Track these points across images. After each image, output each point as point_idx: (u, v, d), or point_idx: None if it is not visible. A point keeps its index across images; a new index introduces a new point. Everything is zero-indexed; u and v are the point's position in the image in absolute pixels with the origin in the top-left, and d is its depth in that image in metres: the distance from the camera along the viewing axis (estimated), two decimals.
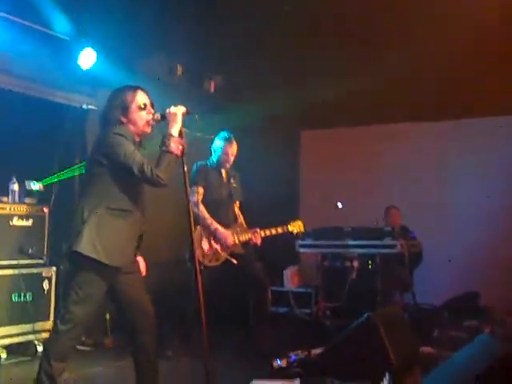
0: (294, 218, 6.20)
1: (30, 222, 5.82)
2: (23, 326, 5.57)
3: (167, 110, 3.70)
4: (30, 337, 5.63)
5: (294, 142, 9.27)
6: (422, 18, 6.34)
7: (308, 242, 7.04)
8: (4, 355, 5.38)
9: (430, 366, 4.72)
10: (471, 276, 7.58)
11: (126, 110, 3.71)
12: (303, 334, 6.17)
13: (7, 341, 5.46)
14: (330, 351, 5.04)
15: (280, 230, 6.01)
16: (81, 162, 6.70)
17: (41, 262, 5.85)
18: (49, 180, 6.32)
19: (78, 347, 5.87)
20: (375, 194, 8.24)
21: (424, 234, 7.45)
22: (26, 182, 5.92)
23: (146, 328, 3.77)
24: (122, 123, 3.70)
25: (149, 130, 3.77)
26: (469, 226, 7.91)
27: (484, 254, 7.74)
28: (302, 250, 7.19)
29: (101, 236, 3.56)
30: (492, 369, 3.50)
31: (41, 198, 6.06)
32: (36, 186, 5.99)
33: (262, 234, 5.91)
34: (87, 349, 5.93)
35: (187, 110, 3.71)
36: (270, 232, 5.96)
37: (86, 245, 3.53)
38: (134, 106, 3.71)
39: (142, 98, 3.76)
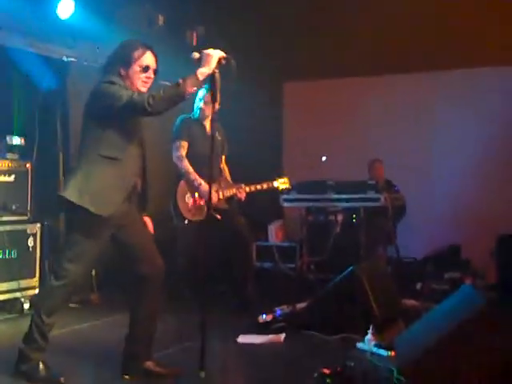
0: (280, 175, 6.19)
1: (12, 178, 5.73)
2: (9, 283, 5.54)
3: (205, 51, 3.53)
4: (16, 294, 5.61)
5: (278, 94, 9.17)
6: None
7: (292, 196, 7.03)
8: None
9: (413, 318, 4.80)
10: (453, 229, 7.66)
11: (127, 64, 3.61)
12: (288, 289, 6.21)
13: None
14: (314, 305, 5.12)
15: (265, 186, 6.00)
16: (62, 115, 6.63)
17: (25, 218, 5.80)
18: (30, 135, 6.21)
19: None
20: (359, 147, 8.22)
21: (407, 187, 7.49)
22: (7, 137, 5.81)
23: (153, 281, 3.75)
24: (120, 76, 3.61)
25: (144, 90, 3.64)
26: (451, 178, 7.95)
27: (465, 207, 7.81)
28: (285, 204, 7.18)
29: (88, 183, 3.52)
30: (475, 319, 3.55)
31: (23, 152, 5.97)
32: (17, 140, 5.88)
33: (247, 190, 5.90)
34: (74, 305, 5.93)
35: (225, 57, 3.53)
36: (255, 188, 5.94)
37: (72, 191, 3.53)
38: (136, 64, 3.61)
39: (148, 59, 3.65)
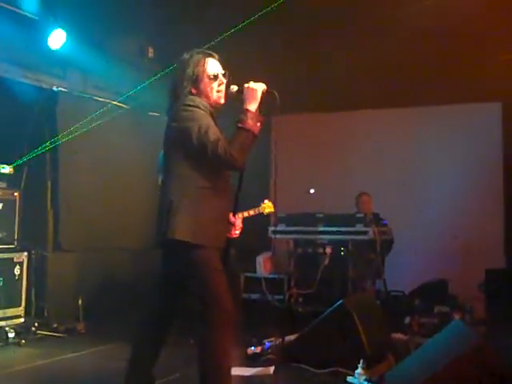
0: (263, 200, 6.16)
1: (0, 206, 5.70)
2: None
3: (245, 85, 3.38)
4: (1, 323, 5.56)
5: (265, 128, 9.18)
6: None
7: (281, 228, 7.03)
8: None
9: (402, 352, 4.78)
10: (440, 264, 7.68)
11: (195, 80, 3.42)
12: (276, 321, 6.16)
13: None
14: (303, 338, 5.08)
15: (252, 212, 5.95)
16: (51, 144, 6.62)
17: (12, 246, 5.76)
18: (18, 163, 6.19)
19: (50, 333, 5.85)
20: (347, 180, 8.26)
21: (394, 221, 7.50)
22: None
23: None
24: (193, 95, 3.40)
25: (222, 101, 3.48)
26: (439, 213, 8.00)
27: (452, 242, 7.86)
28: (274, 236, 7.17)
29: (197, 218, 3.29)
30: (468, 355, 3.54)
31: (11, 181, 5.95)
32: (6, 169, 5.87)
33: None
34: (60, 335, 5.87)
35: (267, 89, 3.39)
36: (243, 214, 5.91)
37: (184, 230, 3.26)
38: (204, 76, 3.44)
39: (212, 66, 3.48)
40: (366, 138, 8.46)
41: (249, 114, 3.28)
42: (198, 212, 3.31)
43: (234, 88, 3.44)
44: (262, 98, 3.35)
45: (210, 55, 3.53)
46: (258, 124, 3.30)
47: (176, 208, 3.30)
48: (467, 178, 7.95)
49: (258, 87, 3.35)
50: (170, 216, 3.31)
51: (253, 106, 3.31)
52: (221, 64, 3.55)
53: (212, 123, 3.31)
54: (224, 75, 3.51)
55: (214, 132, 3.24)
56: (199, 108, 3.31)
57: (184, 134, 3.29)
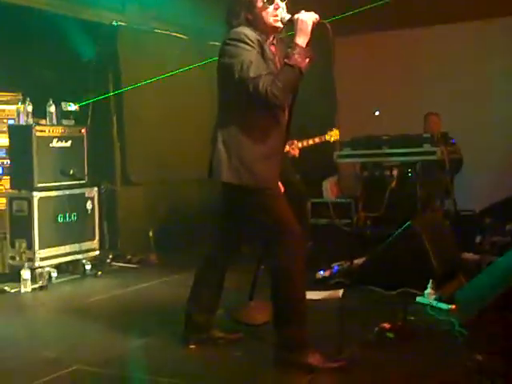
0: (330, 128, 6.10)
1: (69, 144, 5.85)
2: (71, 245, 5.72)
3: (296, 16, 3.19)
4: (78, 256, 5.79)
5: (327, 50, 8.99)
6: None
7: (346, 152, 6.94)
8: (55, 274, 5.53)
9: (473, 272, 4.74)
10: (510, 182, 7.48)
11: (250, 5, 3.27)
12: (344, 245, 6.19)
13: (57, 260, 5.62)
14: (372, 261, 5.09)
15: (317, 140, 5.92)
16: (114, 80, 6.69)
17: (82, 182, 5.92)
18: (84, 101, 6.29)
19: (124, 265, 6.06)
20: (414, 100, 8.05)
21: (464, 139, 7.31)
22: (63, 104, 5.90)
23: None
24: (248, 21, 3.27)
25: (279, 25, 3.28)
26: (509, 128, 7.76)
27: None
28: (340, 160, 7.11)
29: (241, 157, 3.25)
30: None
31: (77, 118, 6.07)
32: (72, 107, 5.97)
33: (300, 146, 5.85)
34: (134, 266, 6.08)
35: (320, 19, 3.20)
36: (307, 142, 5.88)
37: (225, 171, 3.27)
38: (259, 1, 3.25)
39: None
40: (432, 57, 8.18)
41: (297, 49, 3.13)
42: (244, 150, 3.26)
43: (286, 17, 3.26)
44: (312, 29, 3.18)
45: None
46: (307, 60, 3.15)
47: (220, 148, 3.29)
48: None
49: (308, 18, 3.17)
50: (213, 157, 3.32)
51: (302, 40, 3.15)
52: None
53: (256, 57, 3.17)
54: None
55: (256, 67, 3.13)
56: (243, 42, 3.18)
57: (227, 71, 3.22)
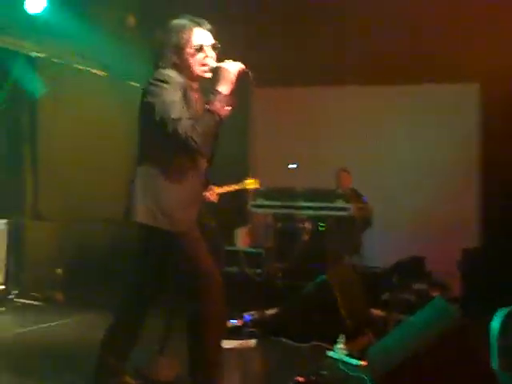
0: (248, 176, 6.12)
1: None
2: None
3: (217, 65, 3.18)
4: None
5: (245, 101, 9.12)
6: None
7: (260, 202, 6.98)
8: None
9: (381, 328, 4.82)
10: (416, 241, 7.74)
11: (179, 50, 3.20)
12: (255, 295, 6.16)
13: None
14: (285, 312, 5.09)
15: (236, 187, 5.92)
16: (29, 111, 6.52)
17: None
18: None
19: (29, 302, 5.82)
20: (328, 156, 8.26)
21: (372, 199, 7.53)
22: None
23: None
24: (175, 65, 3.20)
25: (207, 74, 3.24)
26: (415, 190, 8.10)
27: (427, 218, 7.95)
28: (254, 210, 7.13)
29: (158, 200, 3.16)
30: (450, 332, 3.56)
31: None
32: None
33: (218, 192, 5.82)
34: (38, 303, 5.85)
35: (244, 69, 3.17)
36: (226, 189, 5.86)
37: (144, 212, 3.16)
38: (188, 47, 3.20)
39: (199, 37, 3.22)
40: (343, 115, 8.48)
41: (218, 96, 3.10)
42: (162, 193, 3.18)
43: (214, 66, 3.22)
44: (237, 78, 3.16)
45: (198, 24, 3.26)
46: (228, 108, 3.13)
47: (137, 189, 3.18)
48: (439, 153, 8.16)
49: (234, 68, 3.16)
50: (130, 197, 3.21)
51: (224, 88, 3.12)
52: (212, 34, 3.30)
53: (179, 99, 3.10)
54: (213, 47, 3.27)
55: (177, 109, 3.06)
56: (166, 83, 3.11)
57: (148, 111, 3.12)
